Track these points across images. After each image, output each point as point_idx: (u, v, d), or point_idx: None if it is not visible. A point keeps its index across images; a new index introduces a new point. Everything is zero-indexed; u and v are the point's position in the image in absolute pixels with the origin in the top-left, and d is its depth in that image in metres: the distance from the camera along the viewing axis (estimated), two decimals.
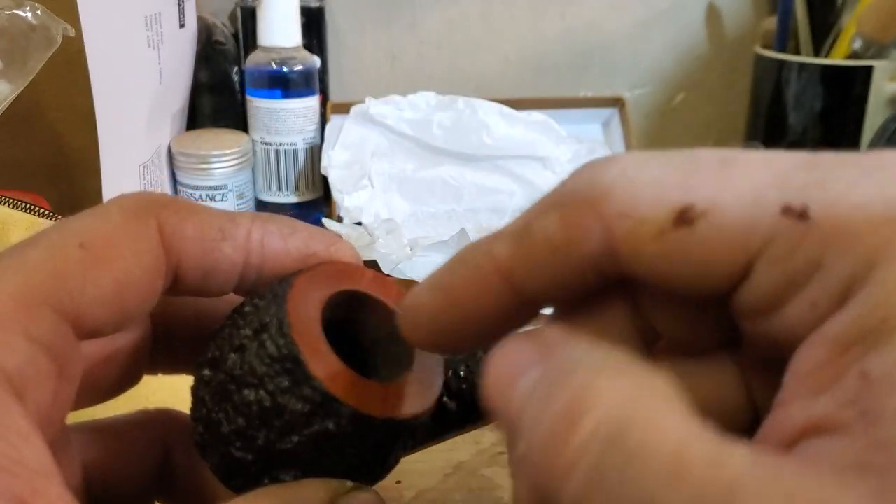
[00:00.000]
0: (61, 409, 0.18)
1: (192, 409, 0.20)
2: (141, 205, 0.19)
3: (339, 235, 0.22)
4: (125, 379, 0.22)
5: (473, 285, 0.17)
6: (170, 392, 0.24)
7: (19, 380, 0.16)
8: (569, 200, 0.16)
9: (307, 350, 0.18)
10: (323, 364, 0.18)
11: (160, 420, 0.23)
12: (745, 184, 0.14)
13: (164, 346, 0.23)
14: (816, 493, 0.12)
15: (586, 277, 0.16)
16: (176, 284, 0.20)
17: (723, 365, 0.17)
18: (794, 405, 0.14)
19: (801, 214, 0.14)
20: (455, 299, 0.17)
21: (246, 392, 0.18)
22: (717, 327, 0.17)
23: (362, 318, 0.21)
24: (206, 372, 0.19)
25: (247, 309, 0.19)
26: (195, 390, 0.20)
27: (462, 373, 0.22)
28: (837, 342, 0.13)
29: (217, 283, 0.20)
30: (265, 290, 0.20)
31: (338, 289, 0.20)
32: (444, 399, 0.22)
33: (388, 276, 0.22)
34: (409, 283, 0.21)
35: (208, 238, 0.20)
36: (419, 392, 0.20)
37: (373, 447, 0.19)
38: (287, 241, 0.21)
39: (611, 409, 0.13)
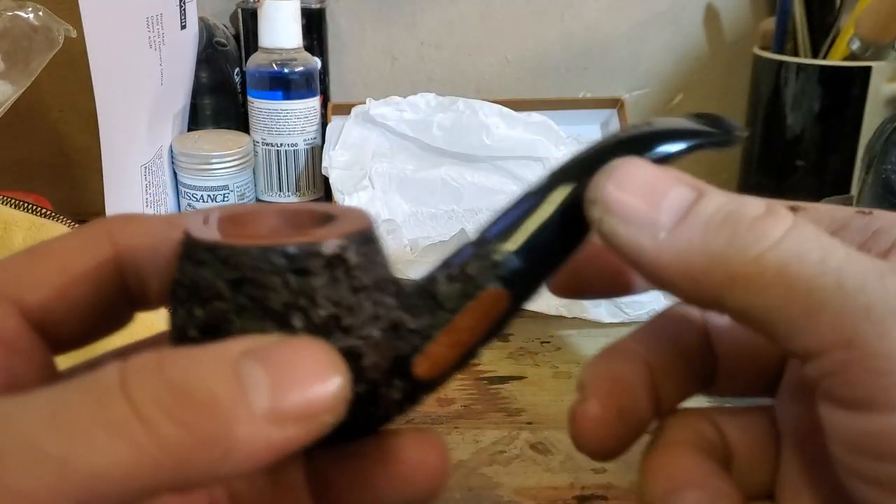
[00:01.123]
0: (23, 382, 0.19)
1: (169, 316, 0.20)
2: (92, 222, 0.21)
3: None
4: (107, 320, 0.23)
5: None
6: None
7: None
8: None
9: (196, 231, 0.19)
10: (208, 233, 0.19)
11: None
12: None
13: (140, 284, 0.23)
14: None
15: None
16: (138, 285, 0.21)
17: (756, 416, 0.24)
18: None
19: (868, 213, 0.22)
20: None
21: (178, 275, 0.19)
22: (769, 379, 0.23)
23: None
24: (175, 288, 0.20)
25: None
26: (169, 304, 0.20)
27: (453, 273, 0.20)
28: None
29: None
30: None
31: (235, 211, 0.21)
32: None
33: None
34: None
35: (157, 231, 0.21)
36: (335, 229, 0.19)
37: (291, 287, 0.18)
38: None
39: (797, 218, 0.18)
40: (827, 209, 0.22)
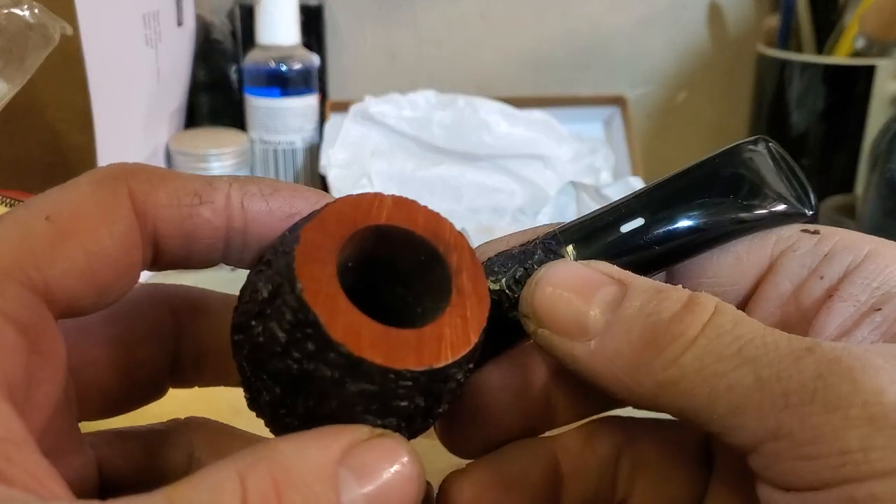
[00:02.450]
0: (43, 385, 0.17)
1: (238, 371, 0.19)
2: (110, 174, 0.19)
3: (323, 192, 0.21)
4: (147, 390, 0.22)
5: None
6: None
7: None
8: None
9: (324, 311, 0.17)
10: (344, 323, 0.17)
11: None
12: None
13: (189, 360, 0.23)
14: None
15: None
16: (157, 257, 0.19)
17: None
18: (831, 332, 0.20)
19: (815, 232, 0.21)
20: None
21: (274, 361, 0.17)
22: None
23: (390, 250, 0.20)
24: (237, 336, 0.19)
25: (261, 267, 0.19)
26: (234, 355, 0.19)
27: (519, 277, 0.21)
28: (859, 300, 0.20)
29: (200, 251, 0.20)
30: (276, 240, 0.19)
31: (353, 229, 0.19)
32: (505, 308, 0.21)
33: (408, 198, 0.20)
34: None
35: (185, 203, 0.19)
36: (460, 328, 0.18)
37: (419, 397, 0.18)
38: (269, 202, 0.20)
39: (719, 304, 0.18)
40: (776, 230, 0.21)
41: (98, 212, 0.18)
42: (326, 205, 0.19)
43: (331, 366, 0.17)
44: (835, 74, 0.67)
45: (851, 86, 0.67)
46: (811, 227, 0.21)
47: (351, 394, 0.17)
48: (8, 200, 0.41)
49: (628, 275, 0.19)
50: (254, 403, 0.19)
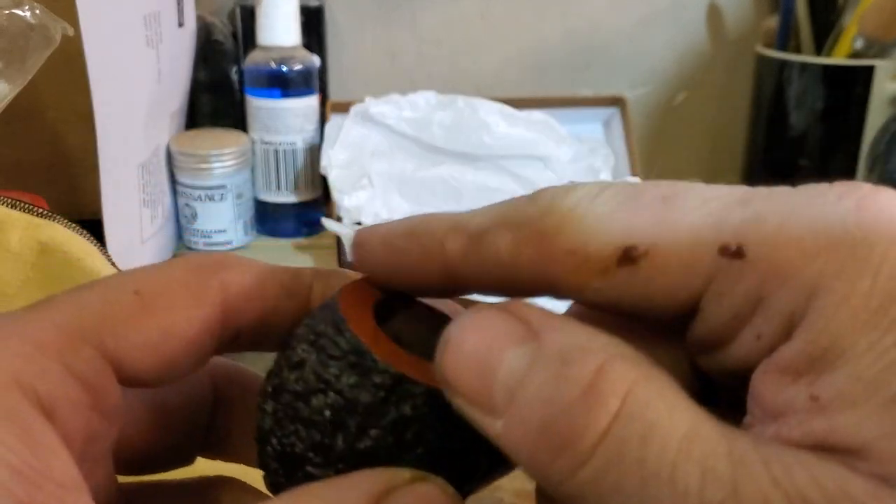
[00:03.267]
0: (99, 443, 0.18)
1: (259, 457, 0.19)
2: (205, 263, 0.20)
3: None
4: (178, 455, 0.23)
5: (419, 263, 0.18)
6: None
7: (49, 400, 0.16)
8: (524, 224, 0.16)
9: (368, 340, 0.17)
10: (387, 350, 0.17)
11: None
12: (683, 223, 0.15)
13: (222, 432, 0.23)
14: (813, 467, 0.13)
15: (527, 292, 0.17)
16: (235, 341, 0.20)
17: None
18: (757, 429, 0.15)
19: (737, 253, 0.15)
20: (400, 264, 0.18)
21: (314, 401, 0.17)
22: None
23: (412, 322, 0.20)
24: (268, 405, 0.18)
25: (298, 331, 0.19)
26: (258, 434, 0.19)
27: None
28: (788, 369, 0.14)
29: (276, 337, 0.20)
30: (311, 312, 0.19)
31: (385, 295, 0.19)
32: None
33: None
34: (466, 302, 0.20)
35: (271, 296, 0.20)
36: None
37: (456, 430, 0.17)
38: None
39: (632, 391, 0.14)
40: (681, 246, 0.15)
41: (185, 296, 0.19)
42: (360, 278, 0.20)
43: (375, 388, 0.17)
44: (834, 75, 0.67)
45: (850, 86, 0.67)
46: (731, 246, 0.15)
47: (391, 420, 0.17)
48: (9, 201, 0.41)
49: (546, 324, 0.15)
50: (279, 474, 0.19)
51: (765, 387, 0.15)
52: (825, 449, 0.13)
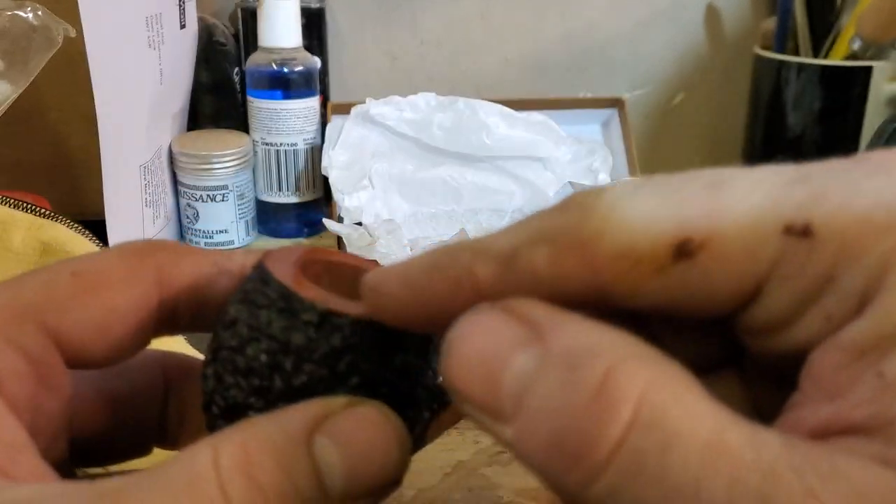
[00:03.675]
0: (45, 416, 0.19)
1: (206, 424, 0.19)
2: (139, 246, 0.21)
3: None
4: (133, 446, 0.23)
5: (448, 297, 0.16)
6: None
7: None
8: (559, 236, 0.15)
9: (294, 285, 0.18)
10: (311, 291, 0.18)
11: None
12: (740, 208, 0.14)
13: (174, 421, 0.23)
14: (853, 476, 0.12)
15: (573, 306, 0.15)
16: (174, 321, 0.21)
17: (728, 381, 0.17)
18: (808, 407, 0.14)
19: (805, 231, 0.14)
20: (426, 302, 0.16)
21: (249, 350, 0.18)
22: (722, 344, 0.17)
23: (341, 283, 0.21)
24: (209, 369, 0.19)
25: (230, 298, 0.20)
26: (203, 401, 0.19)
27: None
28: (854, 348, 0.13)
29: (212, 316, 0.21)
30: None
31: (309, 257, 0.20)
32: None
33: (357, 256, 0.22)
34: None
35: (204, 273, 0.21)
36: None
37: (389, 359, 0.18)
38: None
39: (646, 395, 0.13)
40: (743, 231, 0.14)
41: (121, 275, 0.20)
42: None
43: (304, 326, 0.18)
44: (831, 76, 0.68)
45: (848, 87, 0.67)
46: (797, 225, 0.14)
47: (322, 354, 0.18)
48: (12, 201, 0.41)
49: (551, 324, 0.14)
50: (225, 422, 0.19)
51: (827, 364, 0.14)
52: (878, 432, 0.12)
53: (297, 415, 0.17)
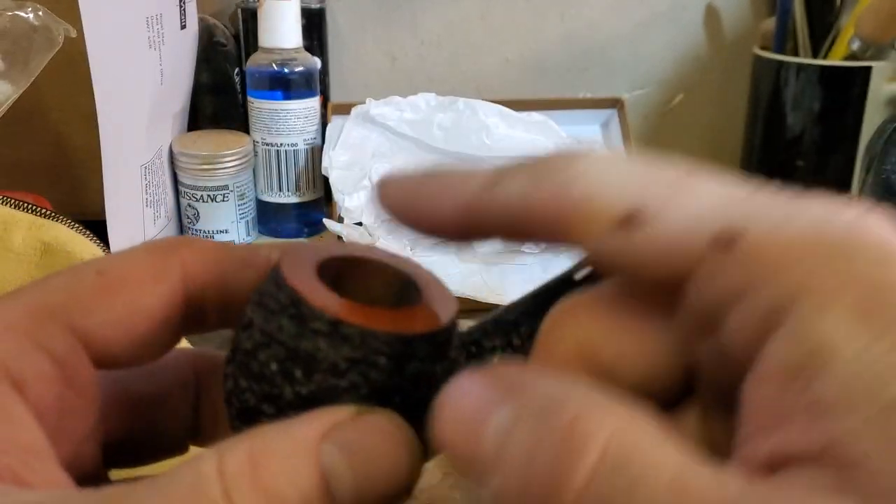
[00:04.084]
0: (73, 418, 0.19)
1: (228, 420, 0.19)
2: (165, 243, 0.20)
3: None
4: (169, 446, 0.23)
5: (437, 200, 0.18)
6: None
7: (18, 374, 0.17)
8: (541, 171, 0.17)
9: (306, 291, 0.18)
10: (324, 299, 0.18)
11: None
12: (691, 205, 0.15)
13: (208, 419, 0.23)
14: None
15: (537, 237, 0.17)
16: (202, 320, 0.21)
17: (693, 416, 0.18)
18: (753, 441, 0.14)
19: (727, 246, 0.15)
20: (419, 201, 0.18)
21: (262, 355, 0.18)
22: (676, 378, 0.17)
23: (362, 281, 0.21)
24: (228, 368, 0.19)
25: (249, 297, 0.20)
26: (224, 398, 0.19)
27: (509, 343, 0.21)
28: (781, 376, 0.14)
29: (239, 313, 0.21)
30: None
31: (329, 255, 0.20)
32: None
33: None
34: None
35: (230, 269, 0.21)
36: (432, 313, 0.19)
37: (399, 369, 0.18)
38: None
39: (612, 439, 0.13)
40: (680, 226, 0.15)
41: (146, 273, 0.20)
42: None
43: (314, 335, 0.18)
44: (831, 76, 0.68)
45: (847, 88, 0.68)
46: (723, 236, 0.15)
47: (331, 365, 0.18)
48: (12, 201, 0.41)
49: (526, 381, 0.15)
50: (241, 429, 0.19)
51: (759, 396, 0.14)
52: (825, 458, 0.13)
53: (305, 423, 0.17)
